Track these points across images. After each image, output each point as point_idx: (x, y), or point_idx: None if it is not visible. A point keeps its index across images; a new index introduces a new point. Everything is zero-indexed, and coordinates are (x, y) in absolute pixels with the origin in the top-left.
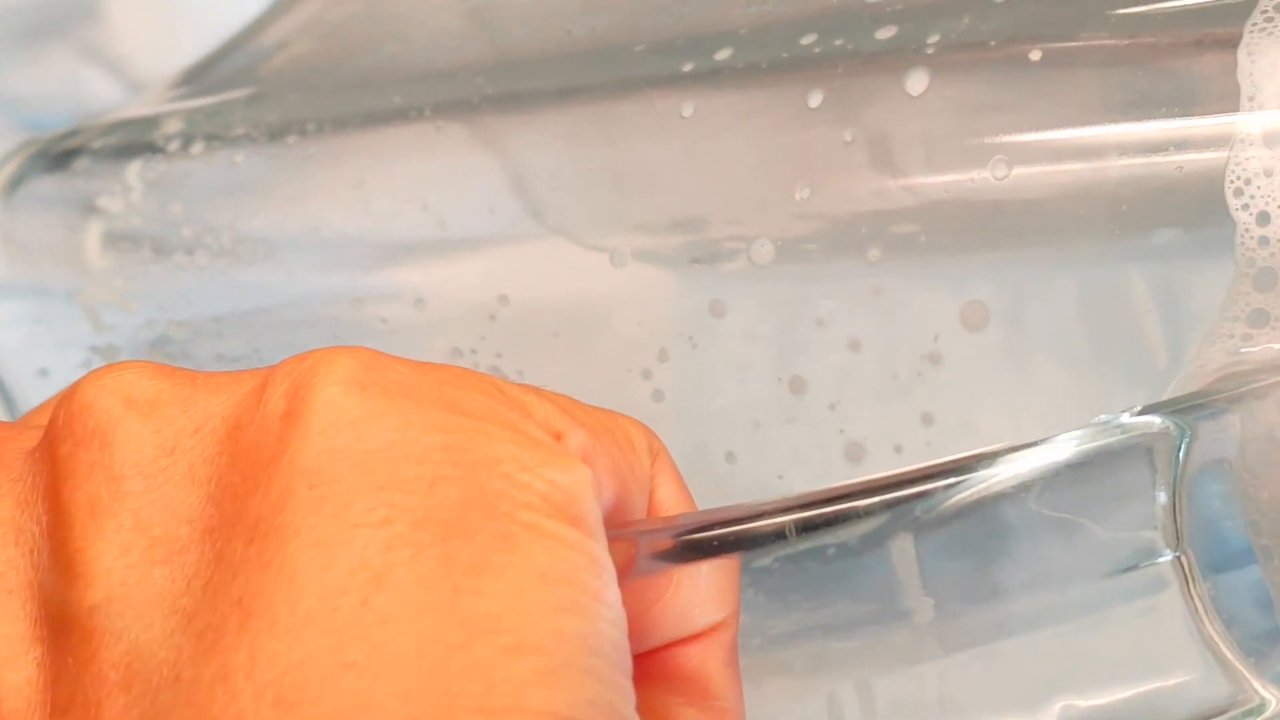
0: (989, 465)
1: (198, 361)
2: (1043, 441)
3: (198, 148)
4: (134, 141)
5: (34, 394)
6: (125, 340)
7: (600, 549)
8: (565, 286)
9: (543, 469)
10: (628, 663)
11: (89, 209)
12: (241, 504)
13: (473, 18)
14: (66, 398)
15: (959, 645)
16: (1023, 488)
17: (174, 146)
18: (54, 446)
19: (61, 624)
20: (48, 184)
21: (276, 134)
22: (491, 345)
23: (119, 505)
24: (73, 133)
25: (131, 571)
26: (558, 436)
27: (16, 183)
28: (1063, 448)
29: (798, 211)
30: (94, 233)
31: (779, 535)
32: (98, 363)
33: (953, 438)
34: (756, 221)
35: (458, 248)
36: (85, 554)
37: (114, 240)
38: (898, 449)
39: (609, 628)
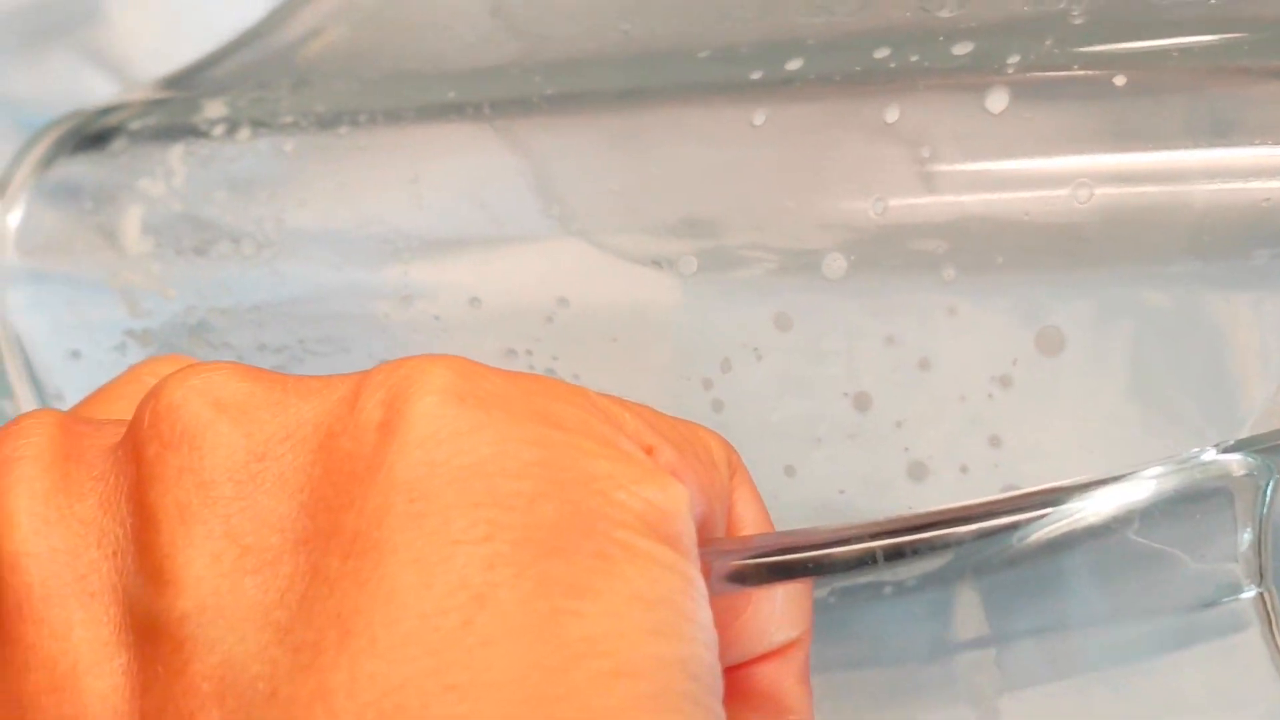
0: (1078, 498)
1: (239, 350)
2: (1127, 475)
3: (244, 134)
4: (175, 124)
5: (63, 376)
6: (162, 325)
7: (694, 570)
8: (626, 292)
9: (638, 487)
10: (720, 686)
11: (128, 191)
12: (336, 516)
13: (521, 11)
14: (152, 396)
15: (1025, 682)
16: (1105, 521)
17: (219, 131)
18: (140, 447)
19: (149, 632)
20: (82, 164)
21: (327, 124)
22: (547, 348)
23: (209, 511)
24: (106, 111)
25: (223, 580)
26: (648, 451)
27: (48, 162)
28: (1147, 483)
29: (872, 226)
30: (132, 216)
31: (864, 561)
32: (133, 347)
33: (1021, 462)
34: (828, 234)
35: (514, 247)
36: (174, 560)
37: (154, 224)
38: (963, 469)
39: (704, 651)
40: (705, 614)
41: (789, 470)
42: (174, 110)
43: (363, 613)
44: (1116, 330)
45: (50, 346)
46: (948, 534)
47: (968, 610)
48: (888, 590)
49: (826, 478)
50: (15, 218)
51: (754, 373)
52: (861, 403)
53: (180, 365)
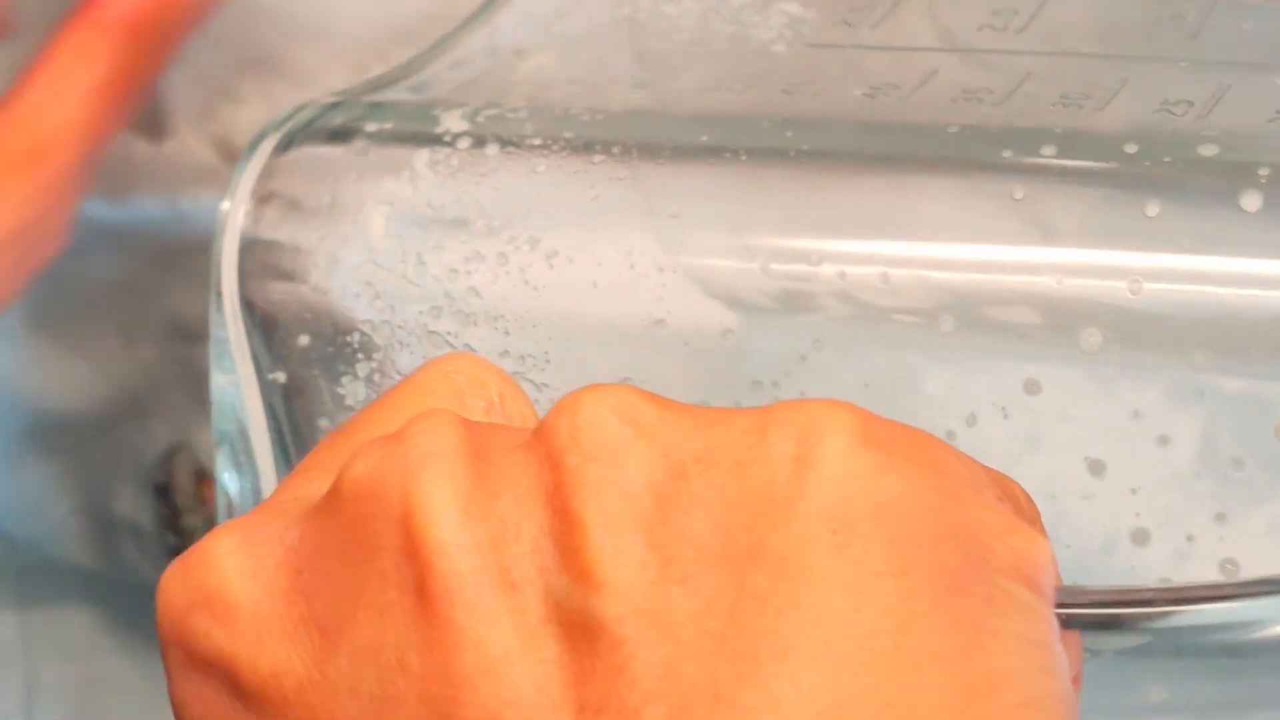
0: None
1: (480, 354)
2: None
3: (492, 149)
4: (417, 132)
5: (285, 360)
6: (402, 321)
7: (1054, 618)
8: (882, 342)
9: (1010, 538)
10: None
11: (374, 189)
12: (757, 538)
13: (745, 62)
14: (568, 410)
15: None
16: None
17: (464, 144)
18: (558, 455)
19: (581, 629)
20: (323, 157)
21: (578, 150)
22: (796, 383)
23: (633, 522)
24: (334, 107)
25: (653, 588)
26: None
27: (285, 146)
28: None
29: (1131, 308)
30: (378, 213)
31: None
32: (366, 340)
33: (1246, 537)
34: (1087, 311)
35: (775, 289)
36: (604, 565)
37: (401, 223)
38: (1189, 539)
39: (1071, 690)
40: (1065, 657)
41: None
42: (409, 117)
43: (801, 631)
44: None
45: (278, 330)
46: (1242, 606)
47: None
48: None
49: (1054, 532)
50: (248, 202)
51: (998, 430)
52: (1097, 468)
53: (476, 364)
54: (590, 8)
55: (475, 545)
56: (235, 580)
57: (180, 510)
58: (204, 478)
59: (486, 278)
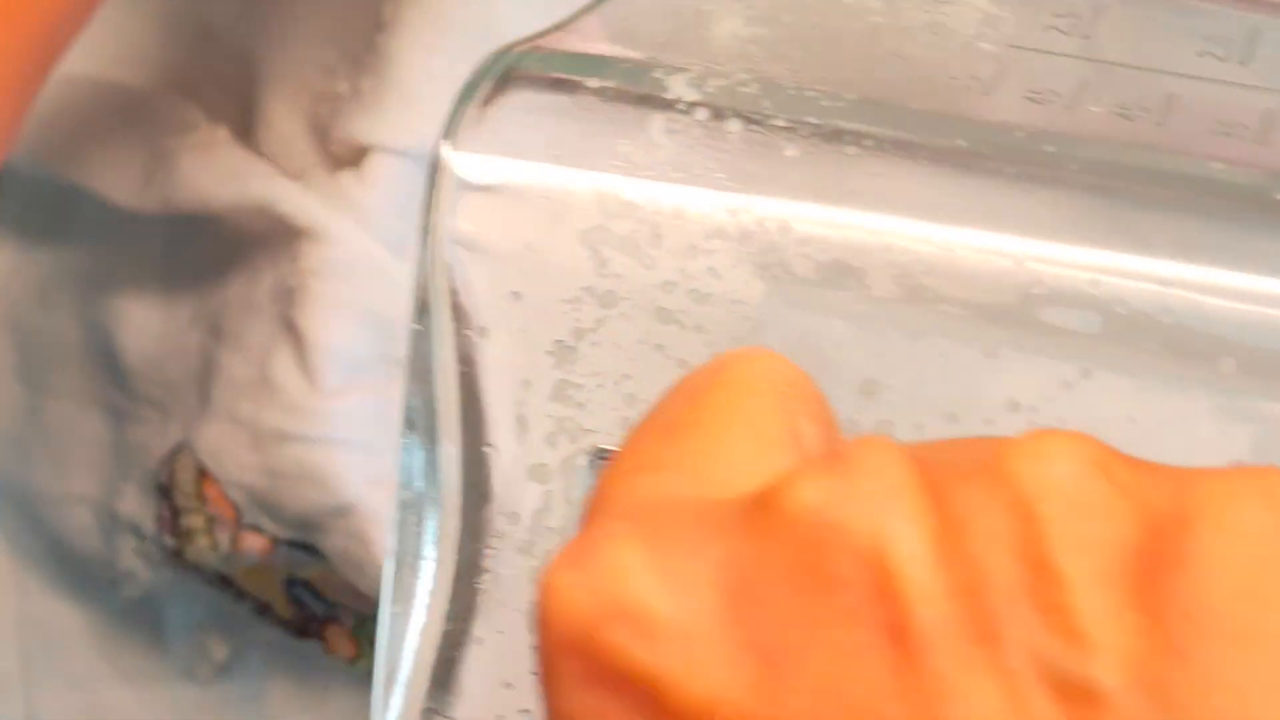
0: None
1: (712, 337)
2: None
3: (734, 125)
4: (646, 95)
5: (494, 314)
6: (629, 292)
7: None
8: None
9: None
10: None
11: (607, 148)
12: (1261, 615)
13: (962, 59)
14: (1035, 457)
15: None
16: None
17: (701, 115)
18: (1031, 504)
19: (1077, 694)
20: (544, 105)
21: (826, 137)
22: (1056, 409)
23: (1123, 583)
24: (533, 55)
25: (1154, 658)
26: None
27: (499, 91)
28: None
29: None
30: (613, 175)
31: None
32: (587, 305)
33: None
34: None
35: (1044, 309)
36: (1099, 627)
37: (636, 190)
38: None
39: None
40: None
41: None
42: (631, 77)
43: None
44: None
45: (490, 282)
46: None
47: None
48: None
49: None
50: (464, 148)
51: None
52: None
53: (786, 364)
54: None
55: (955, 591)
56: (659, 595)
57: (180, 510)
58: (205, 478)
59: (728, 259)
